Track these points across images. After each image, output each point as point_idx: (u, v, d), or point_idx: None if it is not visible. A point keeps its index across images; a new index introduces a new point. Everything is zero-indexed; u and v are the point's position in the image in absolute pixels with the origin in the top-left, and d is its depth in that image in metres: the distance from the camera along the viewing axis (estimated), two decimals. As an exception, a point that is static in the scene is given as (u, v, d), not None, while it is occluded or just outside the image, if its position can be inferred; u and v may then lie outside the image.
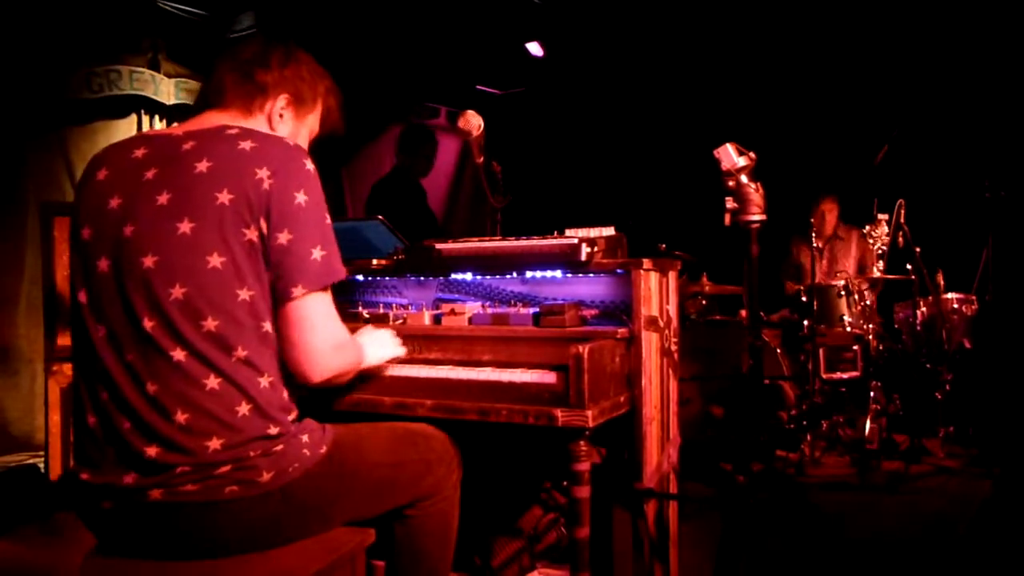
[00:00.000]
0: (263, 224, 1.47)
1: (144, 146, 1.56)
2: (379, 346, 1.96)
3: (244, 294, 1.46)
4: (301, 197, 1.50)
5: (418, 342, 2.17)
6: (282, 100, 1.70)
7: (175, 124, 1.67)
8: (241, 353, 1.46)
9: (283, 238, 1.48)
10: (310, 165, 1.55)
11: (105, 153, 1.61)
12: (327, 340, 1.57)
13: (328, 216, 1.57)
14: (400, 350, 2.03)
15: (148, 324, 1.43)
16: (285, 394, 1.54)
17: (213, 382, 1.43)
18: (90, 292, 1.50)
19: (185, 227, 1.45)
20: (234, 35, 5.01)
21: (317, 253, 1.51)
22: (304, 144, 1.77)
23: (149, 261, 1.45)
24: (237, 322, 1.46)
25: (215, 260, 1.45)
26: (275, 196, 1.47)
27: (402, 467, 1.73)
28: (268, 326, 1.51)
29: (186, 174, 1.48)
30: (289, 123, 1.73)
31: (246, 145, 1.51)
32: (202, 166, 1.48)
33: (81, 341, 1.52)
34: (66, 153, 4.58)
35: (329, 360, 1.58)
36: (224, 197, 1.45)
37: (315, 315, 1.53)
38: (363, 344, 1.86)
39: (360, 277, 2.52)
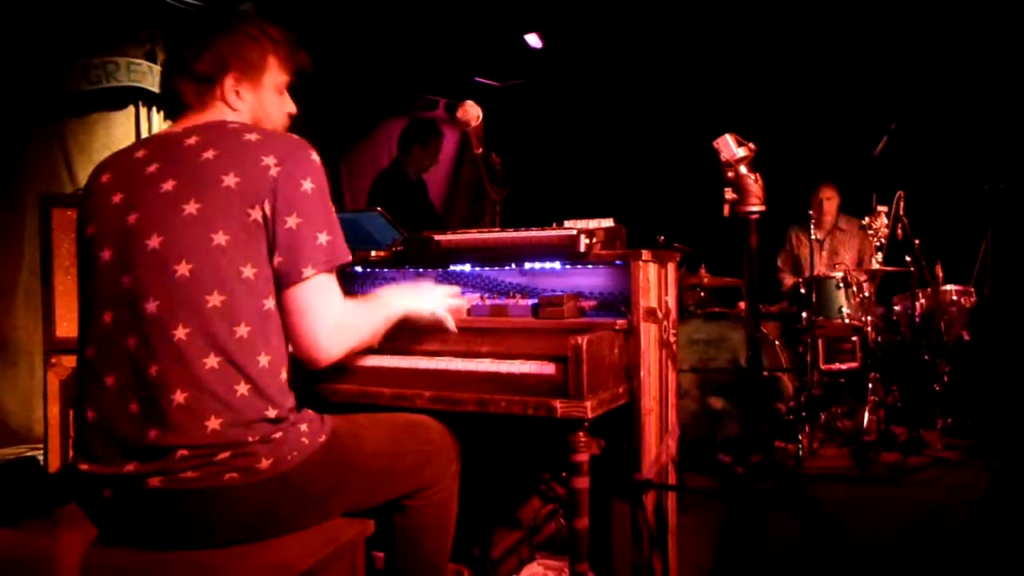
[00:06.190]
0: (267, 207, 1.50)
1: (144, 147, 1.61)
2: (416, 297, 1.96)
3: (247, 271, 1.49)
4: (307, 185, 1.54)
5: (417, 333, 2.16)
6: (230, 80, 1.65)
7: (169, 123, 1.68)
8: (243, 331, 1.48)
9: (292, 222, 1.52)
10: (315, 157, 1.59)
11: (109, 159, 1.66)
12: (327, 320, 1.58)
13: (332, 207, 1.60)
14: (444, 304, 2.02)
15: (152, 304, 1.45)
16: (284, 376, 1.56)
17: (212, 360, 1.45)
18: (95, 284, 1.53)
19: (192, 208, 1.49)
20: None
21: (323, 237, 1.55)
22: (279, 100, 1.75)
23: (154, 242, 1.48)
24: (240, 299, 1.48)
25: (219, 238, 1.47)
26: (282, 183, 1.51)
27: (401, 457, 1.74)
28: (270, 304, 1.53)
29: (192, 162, 1.52)
30: (249, 96, 1.69)
31: (251, 136, 1.55)
32: (208, 154, 1.52)
33: (86, 334, 1.54)
34: (64, 144, 4.56)
35: (332, 342, 1.60)
36: (230, 180, 1.49)
37: (316, 298, 1.56)
38: (385, 298, 1.90)
39: (359, 269, 2.52)
